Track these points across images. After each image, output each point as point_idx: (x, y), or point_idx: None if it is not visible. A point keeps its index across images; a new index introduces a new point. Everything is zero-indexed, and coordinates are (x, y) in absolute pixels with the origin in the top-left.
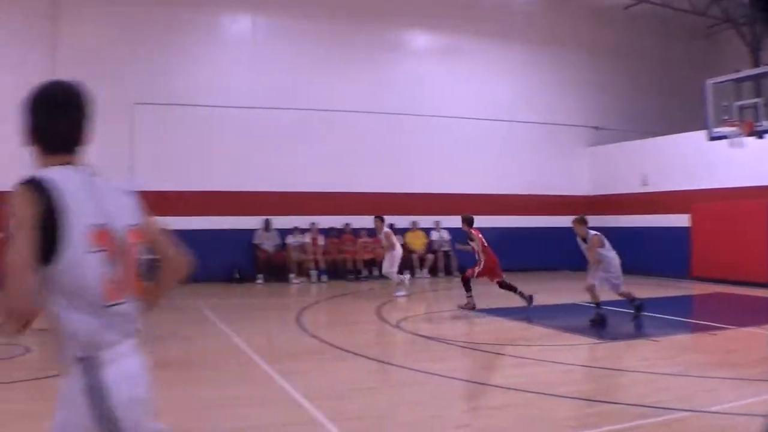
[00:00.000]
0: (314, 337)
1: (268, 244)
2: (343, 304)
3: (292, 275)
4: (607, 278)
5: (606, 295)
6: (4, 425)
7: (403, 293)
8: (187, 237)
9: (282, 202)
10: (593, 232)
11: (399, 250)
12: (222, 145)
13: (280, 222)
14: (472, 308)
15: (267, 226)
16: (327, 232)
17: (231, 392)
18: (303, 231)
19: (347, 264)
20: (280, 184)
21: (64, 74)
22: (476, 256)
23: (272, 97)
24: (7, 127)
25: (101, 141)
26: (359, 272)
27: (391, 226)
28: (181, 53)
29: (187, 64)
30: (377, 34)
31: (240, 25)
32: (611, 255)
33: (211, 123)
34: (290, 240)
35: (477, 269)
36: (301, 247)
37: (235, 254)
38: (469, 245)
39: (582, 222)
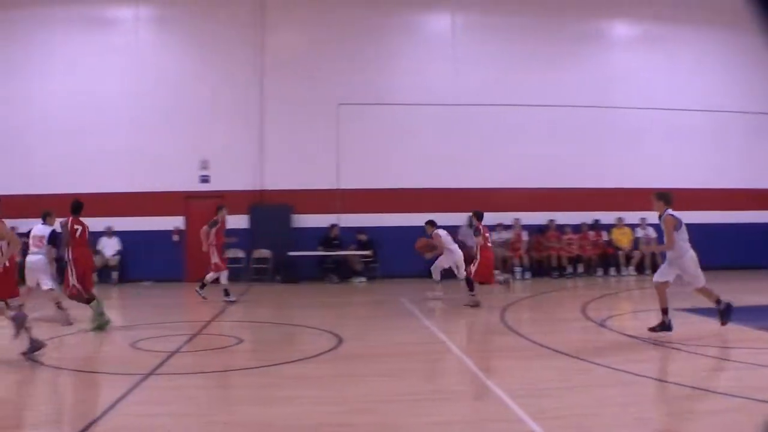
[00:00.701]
0: (518, 334)
1: (471, 240)
2: (548, 302)
3: (496, 272)
4: (679, 274)
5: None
6: (226, 409)
7: (438, 294)
8: (392, 233)
9: (486, 199)
10: (671, 211)
11: (459, 253)
12: (423, 142)
13: (484, 218)
14: (476, 305)
15: (470, 222)
16: (531, 228)
17: (434, 387)
18: (507, 227)
19: (551, 261)
20: (484, 181)
21: (271, 78)
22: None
23: (473, 94)
24: (230, 126)
25: (310, 141)
26: (564, 269)
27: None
28: (381, 53)
29: (387, 64)
30: (578, 27)
31: (439, 23)
32: (685, 246)
33: (411, 121)
34: (494, 236)
35: (473, 267)
36: (505, 244)
37: None
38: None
39: (661, 197)
